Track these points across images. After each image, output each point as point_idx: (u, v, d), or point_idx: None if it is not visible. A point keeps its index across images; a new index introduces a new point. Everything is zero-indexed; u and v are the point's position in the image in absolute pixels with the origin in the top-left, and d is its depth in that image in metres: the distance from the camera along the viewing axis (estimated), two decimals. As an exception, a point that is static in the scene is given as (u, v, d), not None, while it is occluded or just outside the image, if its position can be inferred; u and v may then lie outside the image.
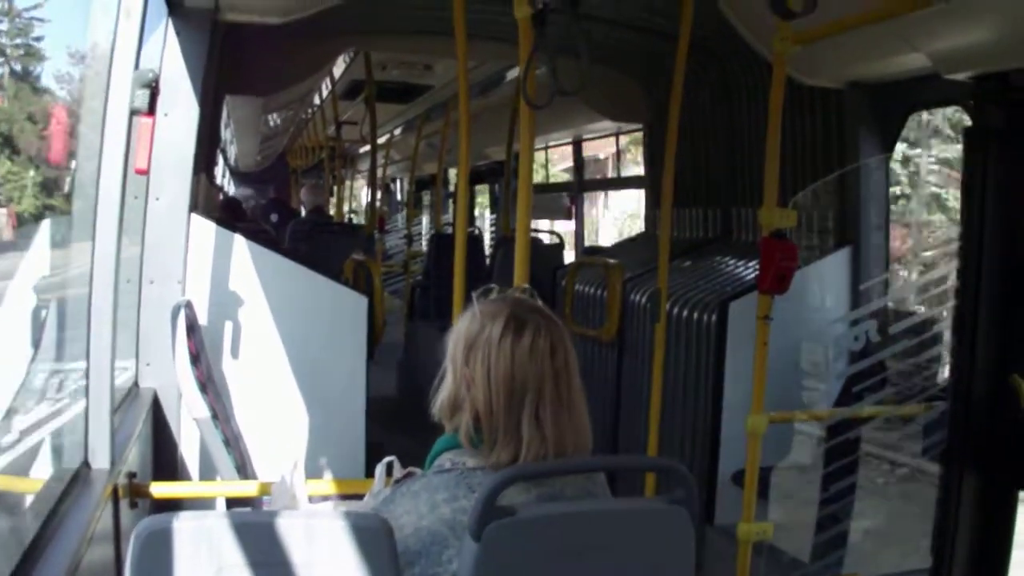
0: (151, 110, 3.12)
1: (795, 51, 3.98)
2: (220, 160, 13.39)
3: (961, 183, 3.87)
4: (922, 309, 4.62)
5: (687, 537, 2.26)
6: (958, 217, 3.95)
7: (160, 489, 3.66)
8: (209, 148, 5.54)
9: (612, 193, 20.86)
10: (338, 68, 9.44)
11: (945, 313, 4.25)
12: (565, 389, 2.26)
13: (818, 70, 4.80)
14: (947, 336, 4.21)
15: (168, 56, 4.20)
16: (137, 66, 3.05)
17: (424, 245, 13.80)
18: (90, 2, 2.97)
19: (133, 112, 3.06)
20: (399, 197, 19.79)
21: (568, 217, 11.29)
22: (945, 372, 4.21)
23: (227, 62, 5.11)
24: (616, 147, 10.76)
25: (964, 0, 3.31)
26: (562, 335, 2.30)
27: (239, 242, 4.33)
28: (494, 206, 13.69)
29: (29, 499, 2.96)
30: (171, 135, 4.17)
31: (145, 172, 3.47)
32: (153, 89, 3.08)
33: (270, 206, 12.91)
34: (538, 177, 12.07)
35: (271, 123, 12.54)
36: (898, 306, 4.84)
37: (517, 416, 2.22)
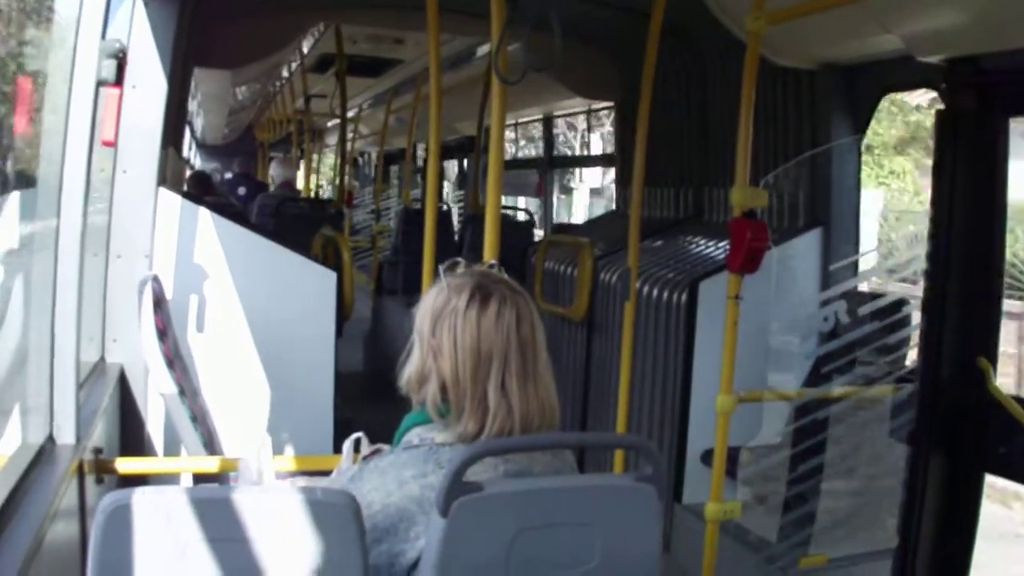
0: (118, 81, 3.07)
1: (768, 31, 3.97)
2: (187, 133, 13.29)
3: (932, 166, 3.88)
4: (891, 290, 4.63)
5: (654, 515, 2.27)
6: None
7: (126, 465, 3.63)
8: (177, 121, 5.48)
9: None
10: (308, 41, 9.37)
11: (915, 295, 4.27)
12: (531, 360, 2.27)
13: (791, 50, 4.80)
14: (916, 317, 4.22)
15: (136, 27, 4.15)
16: (104, 36, 3.01)
17: (392, 220, 13.74)
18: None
19: (100, 83, 3.02)
20: (368, 171, 19.72)
21: (538, 194, 11.28)
22: (913, 353, 4.23)
23: (196, 34, 5.06)
24: (587, 124, 10.75)
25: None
26: (529, 307, 2.31)
27: (207, 216, 4.30)
28: (463, 182, 13.66)
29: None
30: (139, 107, 4.12)
31: (112, 144, 3.43)
32: (120, 60, 3.04)
33: (237, 180, 12.82)
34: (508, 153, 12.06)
35: (239, 96, 12.45)
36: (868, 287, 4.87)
37: (483, 385, 2.23)
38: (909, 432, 3.94)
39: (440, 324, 2.27)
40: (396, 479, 2.23)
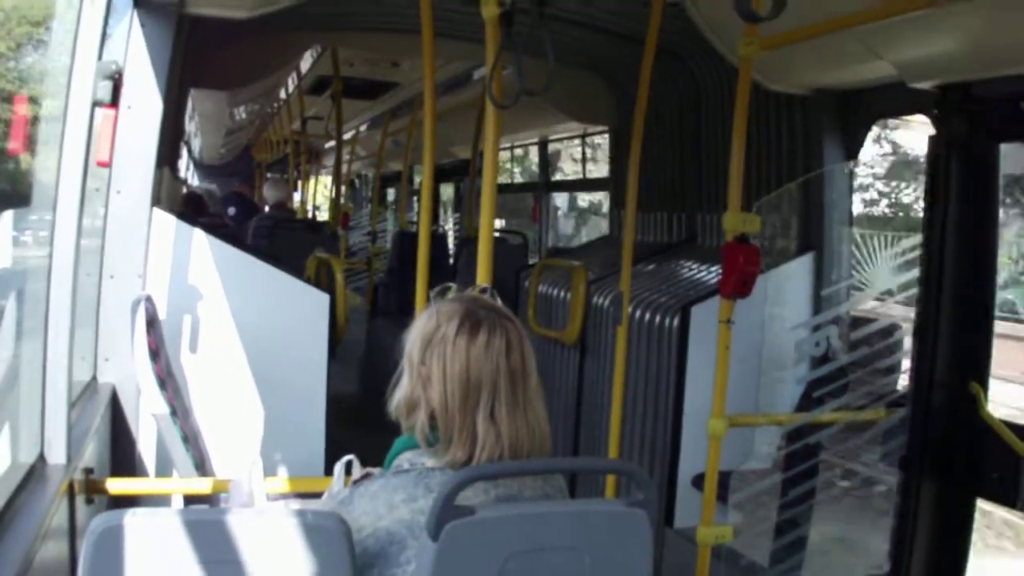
0: (114, 102, 3.09)
1: (761, 56, 4.00)
2: (184, 153, 13.29)
3: (924, 191, 3.90)
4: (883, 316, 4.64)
5: (646, 540, 2.27)
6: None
7: (117, 485, 3.62)
8: (173, 142, 5.49)
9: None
10: (305, 63, 9.39)
11: (906, 321, 4.28)
12: (521, 388, 2.27)
13: (784, 76, 4.82)
14: (908, 343, 4.23)
15: (133, 48, 4.16)
16: (100, 57, 3.03)
17: (388, 242, 13.75)
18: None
19: (96, 104, 3.03)
20: (365, 193, 19.73)
21: (533, 218, 11.29)
22: (905, 379, 4.23)
23: (192, 55, 5.07)
24: (582, 149, 10.77)
25: (929, 11, 3.33)
26: (519, 334, 2.31)
27: (201, 237, 4.30)
28: (459, 205, 13.67)
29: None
30: (134, 128, 4.13)
31: (107, 164, 3.44)
32: (116, 81, 3.05)
33: (228, 199, 12.80)
34: (504, 177, 12.08)
35: (236, 117, 12.46)
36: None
37: (472, 414, 2.23)
38: (901, 457, 3.94)
39: (430, 352, 2.27)
40: (386, 503, 2.22)
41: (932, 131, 3.91)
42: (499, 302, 2.42)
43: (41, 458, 3.03)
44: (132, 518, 2.06)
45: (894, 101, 4.68)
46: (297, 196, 15.72)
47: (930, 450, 3.78)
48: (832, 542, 4.48)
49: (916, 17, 3.41)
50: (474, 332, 2.25)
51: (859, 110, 4.92)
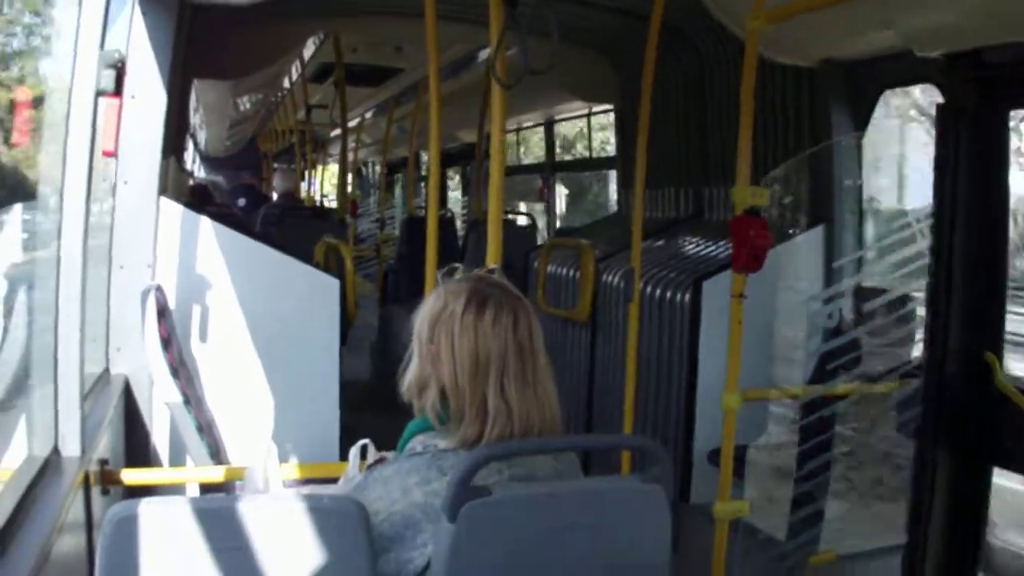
0: (118, 91, 3.08)
1: (767, 29, 3.97)
2: (190, 145, 13.28)
3: (934, 161, 3.87)
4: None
5: (663, 515, 2.27)
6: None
7: (132, 476, 3.63)
8: (178, 132, 5.48)
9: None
10: (307, 51, 9.37)
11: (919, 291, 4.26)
12: (530, 364, 2.28)
13: (790, 48, 4.79)
14: (921, 313, 4.21)
15: (135, 37, 4.15)
16: (103, 46, 3.01)
17: (397, 228, 13.75)
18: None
19: (99, 93, 3.02)
20: (372, 180, 19.73)
21: (541, 199, 11.28)
22: (919, 349, 4.22)
23: (195, 45, 5.06)
24: (587, 127, 10.74)
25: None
26: (526, 311, 2.32)
27: (209, 225, 4.30)
28: (466, 189, 13.66)
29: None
30: (139, 118, 4.12)
31: (113, 154, 3.43)
32: (119, 70, 3.04)
33: (238, 191, 12.81)
34: (511, 159, 12.06)
35: (240, 107, 12.44)
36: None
37: (482, 390, 2.24)
38: (915, 427, 3.93)
39: (438, 330, 2.29)
40: (400, 487, 2.23)
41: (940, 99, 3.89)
42: (505, 280, 2.43)
43: (56, 451, 3.03)
44: (148, 507, 2.06)
45: (902, 71, 4.65)
46: (305, 186, 15.72)
47: (945, 420, 3.76)
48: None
49: (922, -16, 3.39)
50: (481, 309, 2.27)
51: (867, 81, 4.89)
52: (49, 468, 2.93)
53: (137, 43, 4.14)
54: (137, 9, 4.14)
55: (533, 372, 2.28)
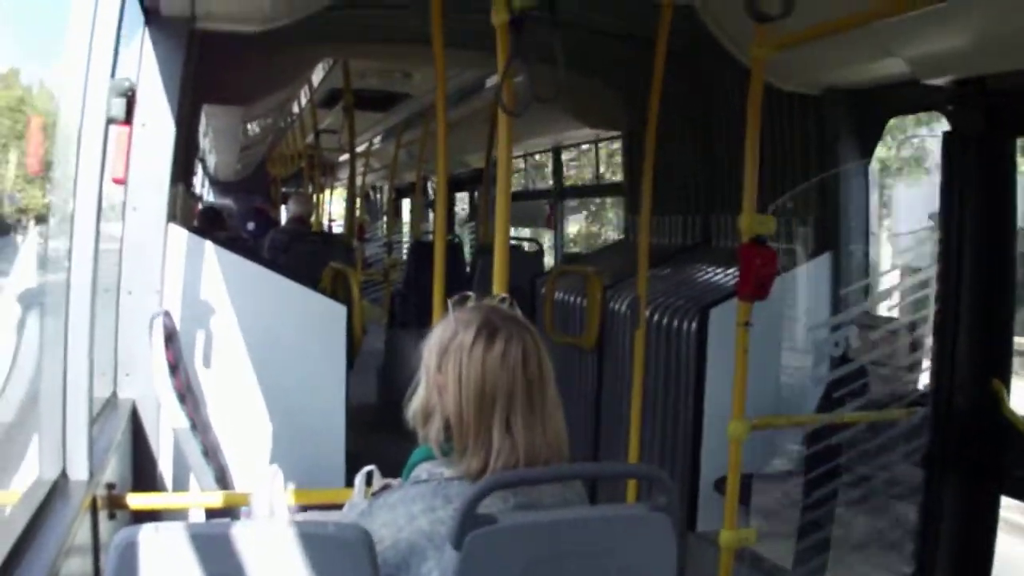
0: (128, 119, 3.10)
1: (773, 57, 3.98)
2: (199, 170, 13.34)
3: (940, 188, 3.88)
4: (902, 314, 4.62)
5: (669, 544, 2.26)
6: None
7: (139, 500, 3.64)
8: (187, 158, 5.52)
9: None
10: (316, 76, 9.43)
11: (926, 318, 4.26)
12: (538, 398, 2.26)
13: (796, 76, 4.81)
14: (928, 341, 4.21)
15: (145, 65, 4.18)
16: (113, 75, 3.04)
17: (404, 253, 13.78)
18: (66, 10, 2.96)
19: (110, 121, 3.04)
20: (380, 205, 19.79)
21: (548, 225, 11.29)
22: (926, 377, 4.21)
23: (204, 71, 5.09)
24: (595, 155, 10.77)
25: (941, 6, 3.32)
26: (536, 344, 2.29)
27: (217, 252, 4.32)
28: (474, 214, 13.69)
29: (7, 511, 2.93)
30: (148, 145, 4.15)
31: (122, 182, 3.46)
32: (130, 98, 3.07)
33: (247, 215, 12.87)
34: (518, 185, 12.09)
35: (250, 132, 12.52)
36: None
37: (488, 424, 2.22)
38: (923, 456, 3.92)
39: (446, 360, 2.26)
40: (405, 514, 2.22)
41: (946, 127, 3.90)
42: (517, 311, 2.42)
43: (64, 474, 3.04)
44: (155, 532, 2.06)
45: (908, 98, 4.66)
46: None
47: (952, 448, 3.76)
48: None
49: (928, 13, 3.39)
50: (491, 341, 2.24)
51: (873, 108, 4.90)
52: (57, 491, 2.95)
53: (147, 71, 4.17)
54: (147, 37, 4.17)
55: (541, 405, 2.26)
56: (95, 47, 2.96)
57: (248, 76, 6.11)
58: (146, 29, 4.19)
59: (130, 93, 3.07)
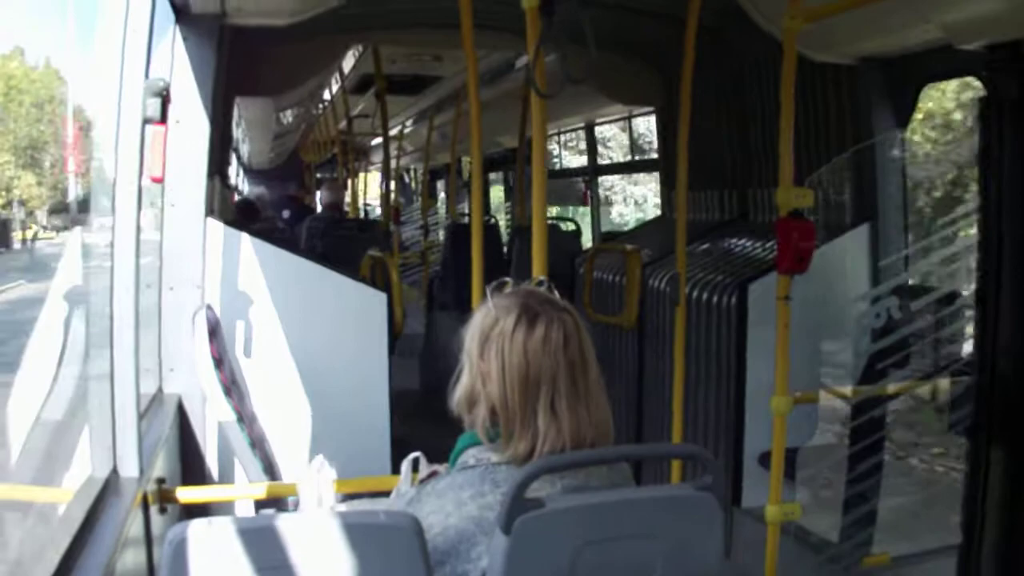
0: (163, 118, 3.13)
1: (805, 28, 3.95)
2: (233, 159, 13.40)
3: (978, 155, 3.85)
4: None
5: (716, 523, 2.27)
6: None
7: (188, 494, 3.68)
8: (222, 151, 5.54)
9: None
10: (347, 63, 9.44)
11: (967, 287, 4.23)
12: (581, 380, 2.27)
13: (829, 46, 4.77)
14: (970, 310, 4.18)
15: (177, 63, 4.21)
16: (147, 75, 3.07)
17: (440, 235, 13.81)
18: (97, 13, 2.98)
19: (146, 121, 3.07)
20: (413, 187, 19.82)
21: (583, 203, 11.27)
22: (969, 346, 4.18)
23: (236, 65, 5.11)
24: (629, 131, 10.74)
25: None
26: (576, 326, 2.31)
27: (256, 244, 4.34)
28: (508, 194, 13.68)
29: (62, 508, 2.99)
30: (184, 141, 4.18)
31: (160, 180, 3.49)
32: (164, 97, 3.09)
33: (281, 203, 12.93)
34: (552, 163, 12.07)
35: (283, 121, 12.55)
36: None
37: (532, 408, 2.24)
38: (967, 426, 3.90)
39: (488, 348, 2.28)
40: (454, 500, 2.24)
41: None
42: (556, 294, 2.43)
43: (115, 471, 3.09)
44: (207, 526, 2.09)
45: (942, 65, 4.61)
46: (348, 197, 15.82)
47: (997, 417, 3.72)
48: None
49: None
50: (532, 326, 2.26)
51: (907, 76, 4.85)
52: (109, 488, 2.99)
53: (180, 69, 4.20)
54: (178, 36, 4.20)
55: (585, 387, 2.27)
56: (128, 50, 2.99)
57: (279, 67, 6.13)
58: (177, 27, 4.22)
59: (165, 93, 3.10)
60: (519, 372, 2.23)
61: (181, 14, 4.22)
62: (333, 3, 4.44)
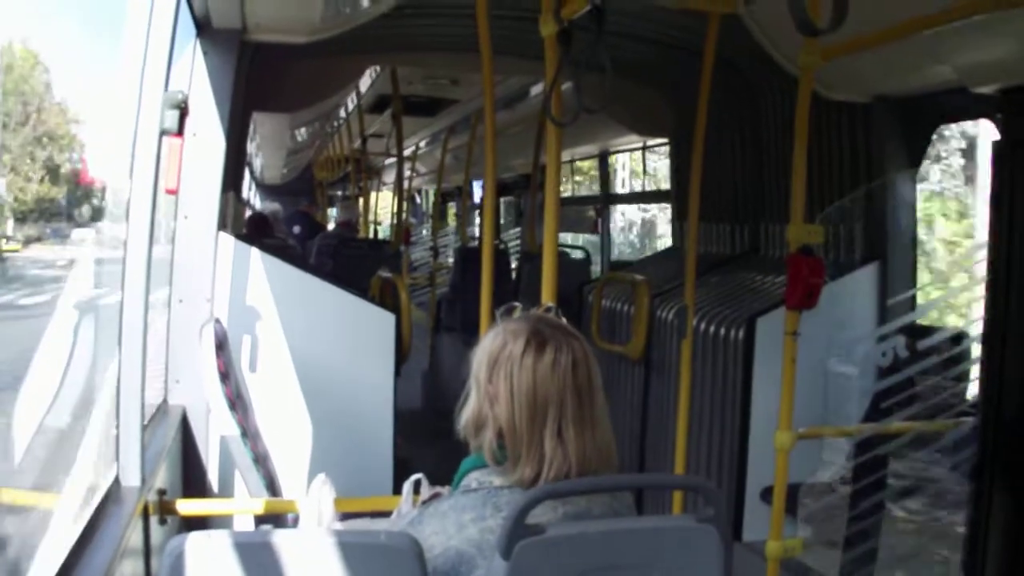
0: (180, 130, 3.14)
1: (821, 65, 3.97)
2: (246, 174, 13.45)
3: (990, 196, 3.85)
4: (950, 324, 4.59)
5: (717, 556, 2.26)
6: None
7: (189, 506, 3.68)
8: (236, 165, 5.57)
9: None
10: (364, 82, 9.47)
11: (973, 328, 4.22)
12: (588, 406, 2.28)
13: (844, 84, 4.79)
14: (976, 351, 4.17)
15: (196, 76, 4.23)
16: (167, 87, 3.09)
17: (450, 258, 13.83)
18: (121, 25, 3.01)
19: (163, 133, 3.09)
20: (424, 208, 19.86)
21: (595, 231, 11.28)
22: (973, 387, 4.18)
23: (254, 80, 5.14)
24: (643, 161, 10.75)
25: (990, 14, 3.30)
26: (585, 352, 2.32)
27: (267, 260, 4.36)
28: (519, 219, 13.69)
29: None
30: (200, 154, 4.20)
31: (175, 192, 3.50)
32: (183, 110, 3.11)
33: (292, 218, 12.95)
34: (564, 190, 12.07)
35: (297, 137, 12.60)
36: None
37: (540, 432, 2.24)
38: (971, 466, 3.89)
39: (496, 371, 2.29)
40: (455, 523, 2.24)
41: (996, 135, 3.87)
42: (563, 321, 2.44)
43: (116, 481, 3.09)
44: (207, 539, 2.10)
45: (957, 106, 4.62)
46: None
47: (1001, 459, 3.72)
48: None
49: (977, 21, 3.38)
50: (540, 350, 2.27)
51: (921, 116, 4.87)
52: (111, 497, 3.00)
53: (199, 82, 4.23)
54: (199, 49, 4.23)
55: (591, 413, 2.28)
56: (149, 61, 3.01)
57: (297, 85, 6.16)
58: (197, 41, 4.24)
59: (183, 105, 3.11)
60: (527, 395, 2.24)
61: (202, 28, 4.25)
62: (353, 23, 4.47)
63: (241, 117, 5.29)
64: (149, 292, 3.16)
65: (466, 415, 2.35)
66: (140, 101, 3.01)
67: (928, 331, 4.48)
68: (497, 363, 2.29)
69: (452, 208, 17.33)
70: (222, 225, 4.35)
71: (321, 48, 4.73)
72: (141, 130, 3.03)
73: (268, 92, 5.93)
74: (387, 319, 4.48)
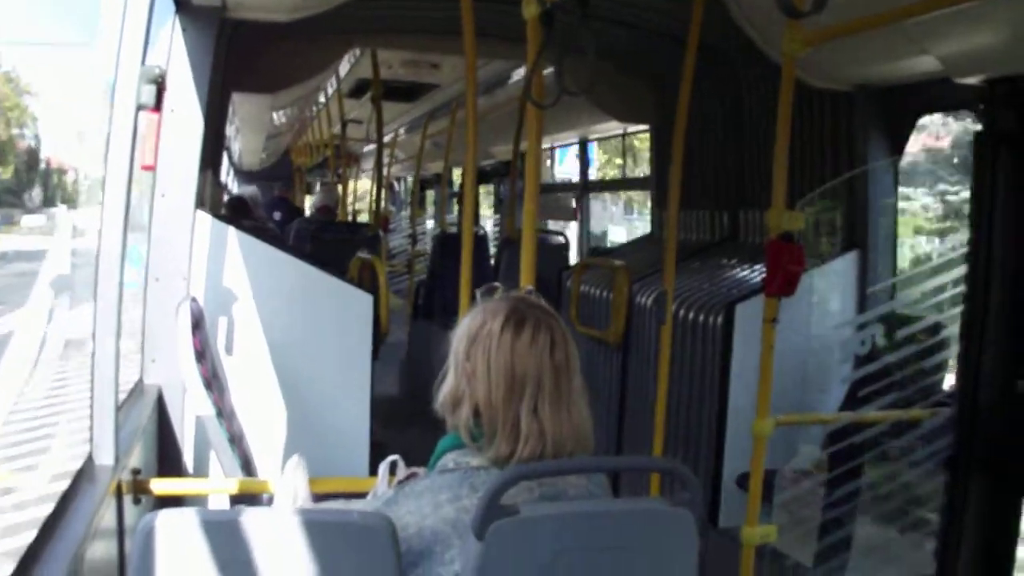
0: (158, 106, 3.11)
1: (804, 53, 3.96)
2: (225, 158, 13.38)
3: (971, 188, 3.86)
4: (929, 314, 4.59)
5: (691, 540, 2.26)
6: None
7: (163, 485, 3.65)
8: (215, 146, 5.53)
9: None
10: (344, 66, 9.44)
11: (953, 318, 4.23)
12: (565, 385, 2.29)
13: (827, 72, 4.78)
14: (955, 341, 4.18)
15: (175, 53, 4.19)
16: (144, 63, 3.05)
17: (428, 244, 13.81)
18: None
19: (139, 108, 3.05)
20: (404, 196, 19.82)
21: (573, 218, 11.27)
22: (951, 377, 4.19)
23: (234, 59, 5.11)
24: (623, 147, 10.75)
25: (975, 4, 3.29)
26: (563, 333, 2.33)
27: (245, 239, 4.32)
28: (498, 206, 13.68)
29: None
30: (177, 131, 4.15)
31: (152, 168, 3.47)
32: (160, 85, 3.08)
33: (273, 204, 12.90)
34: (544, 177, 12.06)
35: (276, 121, 12.54)
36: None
37: (516, 409, 2.25)
38: (947, 457, 3.90)
39: (475, 347, 2.29)
40: (431, 502, 2.24)
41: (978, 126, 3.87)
42: (543, 302, 2.44)
43: (90, 459, 3.07)
44: (180, 517, 2.08)
45: (939, 96, 4.63)
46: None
47: (977, 450, 3.74)
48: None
49: (962, 10, 3.37)
50: (519, 328, 2.27)
51: (904, 106, 4.87)
52: (83, 476, 2.97)
53: (177, 59, 4.18)
54: (177, 25, 4.18)
55: (568, 393, 2.28)
56: (126, 35, 2.98)
57: (277, 65, 6.13)
58: (176, 17, 4.20)
59: (160, 80, 3.08)
60: (504, 371, 2.25)
61: (181, 5, 4.20)
62: (334, 2, 4.43)
63: (220, 96, 5.25)
64: (124, 269, 3.12)
65: (443, 392, 2.36)
66: (116, 75, 2.98)
67: (907, 320, 4.49)
68: (476, 340, 2.30)
69: (431, 196, 17.29)
70: (200, 204, 4.32)
71: (301, 28, 4.70)
72: (117, 105, 3.00)
73: (248, 72, 5.90)
74: (365, 300, 4.45)
